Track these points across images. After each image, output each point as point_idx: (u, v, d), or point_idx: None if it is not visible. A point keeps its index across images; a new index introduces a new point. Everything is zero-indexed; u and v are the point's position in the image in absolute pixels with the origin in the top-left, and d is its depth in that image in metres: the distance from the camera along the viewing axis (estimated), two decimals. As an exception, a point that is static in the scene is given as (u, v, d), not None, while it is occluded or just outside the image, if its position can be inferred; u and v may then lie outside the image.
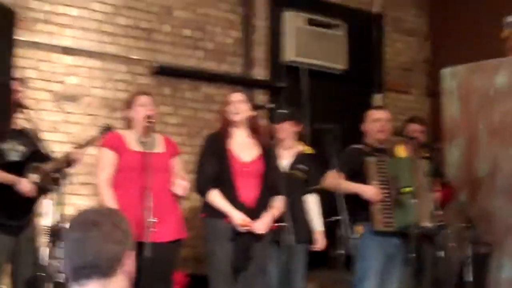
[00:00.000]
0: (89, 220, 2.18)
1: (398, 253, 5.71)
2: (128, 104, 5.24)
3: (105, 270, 2.14)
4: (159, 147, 5.13)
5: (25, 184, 5.04)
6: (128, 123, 5.21)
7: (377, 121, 5.90)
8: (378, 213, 5.60)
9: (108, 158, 5.04)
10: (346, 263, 5.45)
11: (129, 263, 2.20)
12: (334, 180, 5.51)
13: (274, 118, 5.72)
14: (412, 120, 6.71)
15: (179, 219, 5.12)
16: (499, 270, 6.49)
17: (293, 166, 5.81)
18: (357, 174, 5.63)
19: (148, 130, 5.08)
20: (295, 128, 5.90)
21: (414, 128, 6.48)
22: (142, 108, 5.14)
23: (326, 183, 5.75)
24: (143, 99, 5.20)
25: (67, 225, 2.25)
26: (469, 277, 5.74)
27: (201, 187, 5.07)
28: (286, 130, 5.86)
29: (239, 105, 5.16)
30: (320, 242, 5.84)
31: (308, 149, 5.95)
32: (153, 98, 5.28)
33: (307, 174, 5.82)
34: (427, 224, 5.63)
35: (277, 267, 5.55)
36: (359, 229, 5.51)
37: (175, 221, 5.00)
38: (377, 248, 5.58)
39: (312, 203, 5.87)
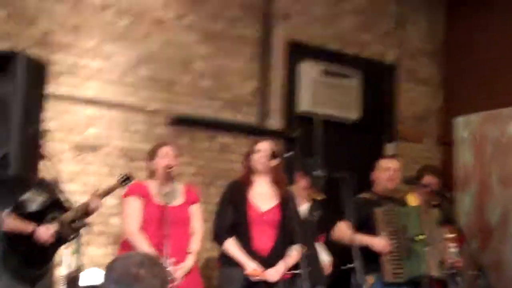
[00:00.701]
0: (131, 274, 2.22)
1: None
2: (151, 155, 5.40)
3: None
4: (179, 197, 5.29)
5: (44, 231, 5.08)
6: (151, 174, 5.38)
7: (387, 170, 6.00)
8: (388, 264, 5.66)
9: (136, 207, 5.21)
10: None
11: None
12: (344, 232, 5.64)
13: (293, 167, 5.83)
14: (426, 170, 6.77)
15: (196, 271, 5.25)
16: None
17: (310, 213, 5.95)
18: (366, 224, 5.69)
19: (168, 179, 5.24)
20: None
21: (429, 180, 6.54)
22: (164, 159, 5.31)
23: (336, 235, 5.85)
24: (165, 149, 5.37)
25: (102, 275, 2.30)
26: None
27: (217, 236, 5.16)
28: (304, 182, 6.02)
29: (265, 154, 5.30)
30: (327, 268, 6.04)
31: (320, 196, 6.09)
32: (175, 148, 5.44)
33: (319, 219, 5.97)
34: (435, 273, 5.70)
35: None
36: (370, 279, 5.56)
37: (193, 272, 5.13)
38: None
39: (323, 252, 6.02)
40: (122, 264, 2.27)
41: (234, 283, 5.06)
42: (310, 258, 5.53)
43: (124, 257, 2.35)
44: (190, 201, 5.33)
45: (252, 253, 5.06)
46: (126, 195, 5.34)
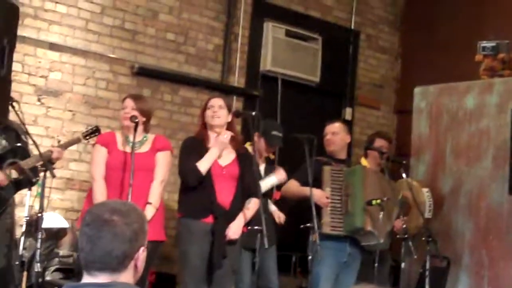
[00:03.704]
0: (102, 218, 2.26)
1: (352, 262, 5.97)
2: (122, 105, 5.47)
3: (115, 266, 2.26)
4: (146, 145, 5.34)
5: None
6: (121, 123, 5.46)
7: (325, 135, 6.20)
8: (326, 216, 5.86)
9: (100, 155, 5.29)
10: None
11: (140, 257, 2.31)
12: (290, 187, 5.92)
13: (256, 127, 5.90)
14: (378, 135, 6.97)
15: (159, 220, 5.31)
16: (455, 285, 6.74)
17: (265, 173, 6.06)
18: (315, 182, 5.82)
19: (131, 129, 5.28)
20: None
21: (381, 144, 6.73)
22: (124, 110, 5.37)
23: (282, 190, 6.04)
24: (125, 101, 5.42)
25: (84, 218, 2.32)
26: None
27: (188, 171, 5.22)
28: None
29: (218, 110, 5.37)
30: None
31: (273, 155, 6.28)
32: (137, 100, 5.47)
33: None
34: (370, 228, 5.88)
35: (250, 269, 5.76)
36: (315, 236, 5.62)
37: (154, 221, 5.13)
38: (330, 255, 5.76)
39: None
40: (98, 209, 2.31)
41: (195, 234, 5.15)
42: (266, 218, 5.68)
43: (103, 203, 2.39)
44: (155, 149, 5.37)
45: (216, 206, 5.16)
46: (94, 144, 5.45)
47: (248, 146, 5.94)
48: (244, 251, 5.63)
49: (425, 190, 6.64)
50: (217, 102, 5.39)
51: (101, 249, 2.24)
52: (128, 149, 5.27)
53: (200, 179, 5.17)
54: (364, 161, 6.66)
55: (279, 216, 6.25)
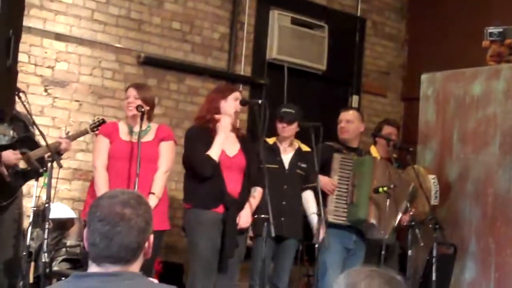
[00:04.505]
0: (115, 213, 2.26)
1: (358, 250, 5.98)
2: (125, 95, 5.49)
3: (129, 258, 2.28)
4: (150, 135, 5.35)
5: (9, 154, 5.10)
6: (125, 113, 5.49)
7: (339, 122, 6.19)
8: (331, 204, 5.88)
9: (102, 145, 5.31)
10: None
11: (148, 244, 2.34)
12: None
13: (271, 114, 5.82)
14: (387, 122, 6.98)
15: (163, 210, 5.32)
16: (462, 272, 6.74)
17: (295, 163, 5.91)
18: (324, 168, 5.86)
19: (136, 118, 5.30)
20: (298, 127, 5.94)
21: (389, 131, 6.74)
22: (126, 100, 5.39)
23: None
24: (129, 90, 5.44)
25: (93, 212, 2.31)
26: (433, 276, 5.96)
27: (200, 161, 5.21)
28: (292, 131, 5.91)
29: (231, 102, 5.37)
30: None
31: (305, 147, 6.03)
32: (140, 89, 5.48)
33: (305, 171, 5.91)
34: (374, 221, 5.88)
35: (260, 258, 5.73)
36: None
37: (158, 211, 5.11)
38: (336, 243, 5.79)
39: (310, 199, 5.96)
40: (107, 203, 2.29)
41: (205, 225, 5.16)
42: (293, 207, 5.69)
43: (110, 195, 2.35)
44: (159, 138, 5.37)
45: (227, 195, 5.17)
46: (97, 134, 5.48)
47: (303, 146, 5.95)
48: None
49: (431, 176, 6.63)
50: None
51: (118, 244, 2.25)
52: (130, 139, 5.29)
53: (215, 168, 5.16)
54: (373, 149, 6.66)
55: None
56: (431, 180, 6.61)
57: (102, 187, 5.12)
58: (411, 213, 5.98)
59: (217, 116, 5.28)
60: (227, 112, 5.32)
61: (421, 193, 6.28)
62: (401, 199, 6.06)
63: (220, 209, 5.19)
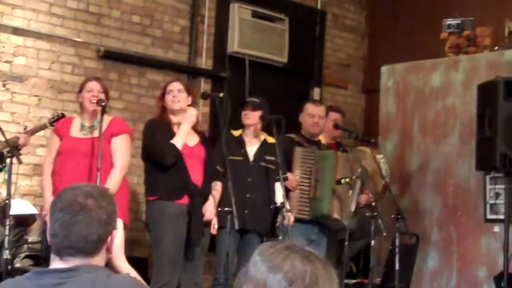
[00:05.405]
0: (77, 203, 2.23)
1: (320, 240, 6.01)
2: (80, 89, 5.42)
3: (90, 250, 2.24)
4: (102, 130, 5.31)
5: None
6: (80, 108, 5.41)
7: (312, 117, 6.18)
8: (294, 200, 5.89)
9: (52, 143, 5.36)
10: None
11: (111, 239, 2.30)
12: None
13: (225, 106, 5.80)
14: (331, 108, 6.85)
15: (121, 204, 5.26)
16: (425, 261, 6.82)
17: (261, 156, 5.85)
18: (285, 161, 5.83)
19: (95, 113, 5.26)
20: (261, 120, 5.89)
21: (335, 117, 6.71)
22: (89, 93, 5.33)
23: None
24: (90, 84, 5.37)
25: (55, 203, 2.29)
26: (396, 266, 6.02)
27: (163, 150, 5.20)
28: (255, 119, 5.84)
29: (178, 94, 5.36)
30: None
31: (271, 139, 5.94)
32: (102, 83, 5.45)
33: (272, 164, 5.80)
34: (342, 218, 5.91)
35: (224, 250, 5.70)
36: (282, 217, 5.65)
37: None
38: (298, 234, 5.75)
39: (280, 192, 5.90)
40: (70, 194, 2.26)
41: (169, 217, 5.14)
42: (260, 201, 5.69)
43: (74, 187, 2.33)
44: (109, 133, 5.29)
45: (192, 184, 5.15)
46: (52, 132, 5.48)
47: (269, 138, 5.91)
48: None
49: (379, 156, 6.58)
50: (175, 86, 5.41)
51: (77, 234, 2.21)
52: (80, 135, 5.28)
53: (177, 157, 5.14)
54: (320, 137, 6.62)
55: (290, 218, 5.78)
56: (380, 159, 6.58)
57: (46, 186, 5.23)
58: (367, 194, 6.01)
59: (183, 107, 5.27)
60: (169, 106, 5.37)
61: (374, 173, 6.30)
62: (356, 182, 6.09)
63: (185, 200, 5.18)
